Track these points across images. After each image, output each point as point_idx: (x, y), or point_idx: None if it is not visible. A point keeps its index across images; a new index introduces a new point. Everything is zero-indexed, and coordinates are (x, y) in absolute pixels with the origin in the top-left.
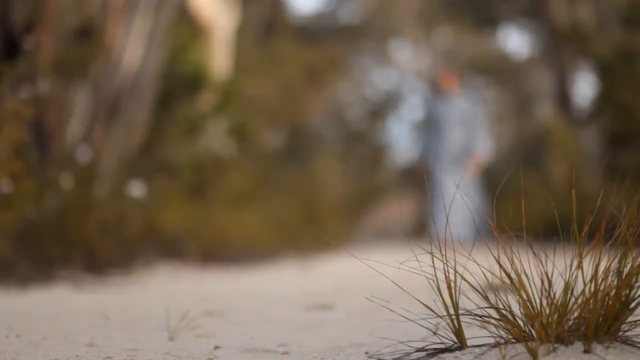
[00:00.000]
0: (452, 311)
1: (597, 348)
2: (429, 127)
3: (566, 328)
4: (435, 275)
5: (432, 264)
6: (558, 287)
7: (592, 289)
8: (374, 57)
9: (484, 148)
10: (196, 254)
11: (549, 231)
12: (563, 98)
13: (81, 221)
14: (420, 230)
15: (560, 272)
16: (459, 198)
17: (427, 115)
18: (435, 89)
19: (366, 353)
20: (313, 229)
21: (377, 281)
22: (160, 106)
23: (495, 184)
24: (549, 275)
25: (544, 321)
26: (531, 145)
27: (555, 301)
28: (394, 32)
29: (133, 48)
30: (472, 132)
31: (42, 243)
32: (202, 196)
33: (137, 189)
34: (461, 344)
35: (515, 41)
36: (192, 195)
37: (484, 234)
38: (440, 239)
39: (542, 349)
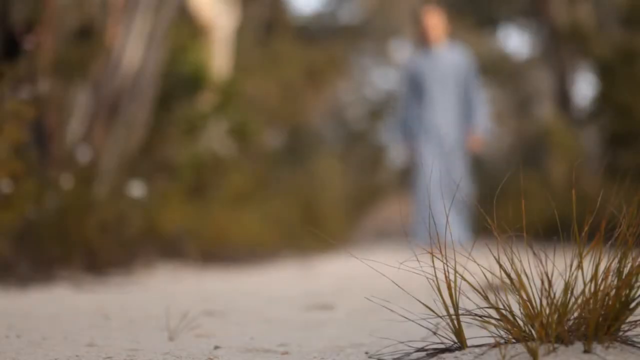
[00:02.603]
0: (452, 311)
1: (597, 348)
2: (410, 91)
3: (566, 328)
4: (435, 275)
5: (432, 264)
6: (558, 287)
7: (592, 289)
8: (374, 57)
9: (483, 122)
10: (196, 254)
11: (549, 231)
12: (563, 98)
13: (81, 221)
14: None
15: (560, 272)
16: (450, 189)
17: (407, 75)
18: (419, 41)
19: (366, 353)
20: (313, 229)
21: (377, 281)
22: (160, 106)
23: (495, 183)
24: (549, 275)
25: (544, 321)
26: (531, 145)
27: (555, 301)
28: (394, 32)
29: (133, 48)
30: (467, 96)
31: (42, 243)
32: (202, 196)
33: (137, 189)
34: (461, 344)
35: (515, 41)
36: (192, 195)
37: (475, 232)
38: (429, 238)
39: (542, 349)
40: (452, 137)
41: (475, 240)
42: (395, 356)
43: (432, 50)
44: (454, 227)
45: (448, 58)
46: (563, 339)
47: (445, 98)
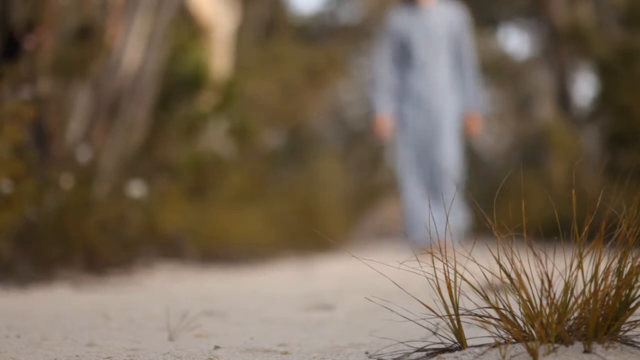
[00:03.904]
0: (452, 311)
1: (597, 348)
2: (393, 55)
3: (566, 328)
4: (435, 275)
5: (432, 264)
6: (558, 287)
7: (592, 289)
8: None
9: (478, 99)
10: (196, 254)
11: (549, 231)
12: (563, 98)
13: (81, 221)
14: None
15: (560, 272)
16: (441, 171)
17: (390, 35)
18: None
19: (366, 353)
20: (313, 229)
21: (377, 281)
22: (160, 106)
23: (495, 183)
24: (549, 275)
25: (544, 321)
26: (531, 145)
27: (555, 301)
28: None
29: (133, 48)
30: (460, 64)
31: (42, 243)
32: (202, 196)
33: (137, 189)
34: (461, 344)
35: (515, 41)
36: (192, 195)
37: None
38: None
39: (542, 349)
40: (443, 108)
41: (474, 237)
42: (395, 356)
43: (421, 6)
44: (449, 216)
45: (439, 16)
46: (563, 339)
47: (435, 63)
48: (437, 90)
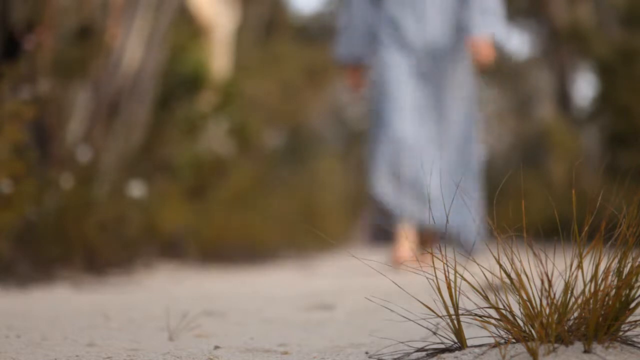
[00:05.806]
0: (452, 311)
1: (597, 348)
2: None
3: (566, 328)
4: (435, 275)
5: (432, 264)
6: (558, 287)
7: (592, 289)
8: None
9: (491, 23)
10: (196, 254)
11: (549, 231)
12: (563, 98)
13: (81, 221)
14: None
15: (560, 272)
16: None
17: None
18: None
19: (366, 353)
20: (313, 229)
21: (377, 281)
22: (160, 106)
23: (495, 183)
24: (549, 275)
25: (544, 321)
26: (531, 145)
27: (555, 301)
28: None
29: (133, 48)
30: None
31: (42, 243)
32: (202, 196)
33: (137, 189)
34: (461, 344)
35: (515, 41)
36: (192, 195)
37: (482, 234)
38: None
39: (542, 349)
40: (441, 47)
41: (485, 239)
42: (395, 356)
43: None
44: (452, 211)
45: None
46: (563, 339)
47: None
48: (428, 20)
